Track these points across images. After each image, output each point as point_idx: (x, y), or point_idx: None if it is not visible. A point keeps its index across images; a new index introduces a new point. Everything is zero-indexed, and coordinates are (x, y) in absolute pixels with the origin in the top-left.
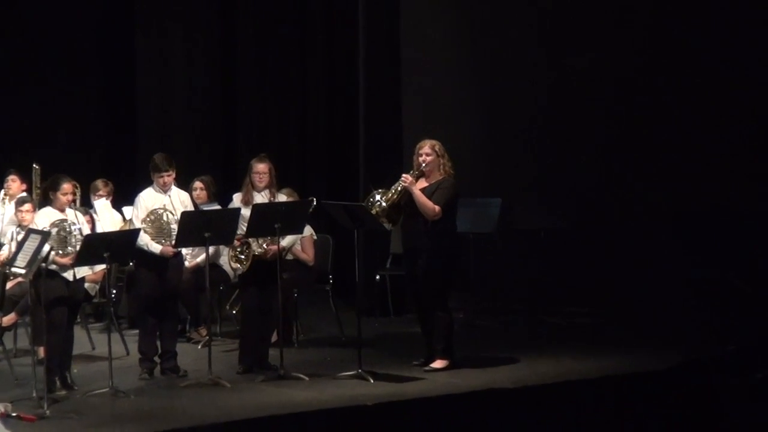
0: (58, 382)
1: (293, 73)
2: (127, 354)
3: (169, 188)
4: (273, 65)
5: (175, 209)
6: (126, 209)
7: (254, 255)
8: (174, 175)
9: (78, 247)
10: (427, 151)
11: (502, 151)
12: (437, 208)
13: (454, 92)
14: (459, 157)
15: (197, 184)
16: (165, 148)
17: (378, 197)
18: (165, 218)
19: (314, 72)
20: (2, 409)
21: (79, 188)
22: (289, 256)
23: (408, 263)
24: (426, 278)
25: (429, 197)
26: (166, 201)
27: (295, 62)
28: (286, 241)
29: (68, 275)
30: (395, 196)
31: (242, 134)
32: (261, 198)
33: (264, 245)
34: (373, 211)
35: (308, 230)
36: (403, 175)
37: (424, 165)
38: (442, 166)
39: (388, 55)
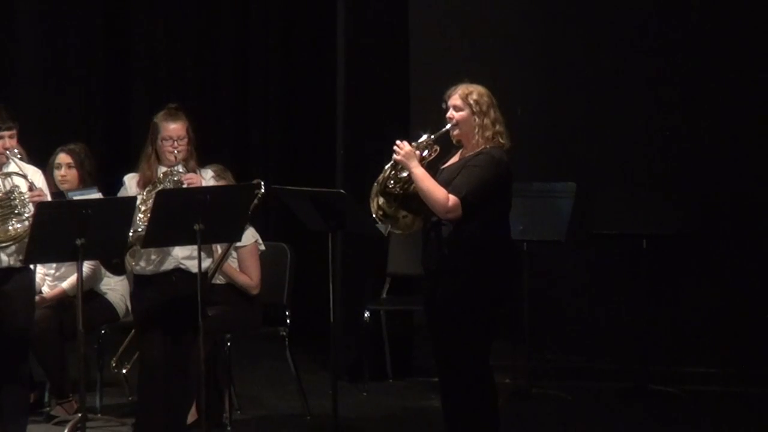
0: None
1: None
2: None
3: (7, 161)
4: None
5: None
6: None
7: None
8: (15, 137)
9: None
10: (455, 102)
11: (575, 108)
12: (451, 199)
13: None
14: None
15: (62, 157)
16: None
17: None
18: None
19: None
20: None
21: None
22: (219, 279)
23: (426, 291)
24: (445, 316)
25: (450, 180)
26: None
27: None
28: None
29: None
30: (397, 186)
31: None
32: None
33: None
34: (374, 205)
35: (251, 235)
36: (397, 142)
37: (449, 126)
38: (479, 131)
39: None
